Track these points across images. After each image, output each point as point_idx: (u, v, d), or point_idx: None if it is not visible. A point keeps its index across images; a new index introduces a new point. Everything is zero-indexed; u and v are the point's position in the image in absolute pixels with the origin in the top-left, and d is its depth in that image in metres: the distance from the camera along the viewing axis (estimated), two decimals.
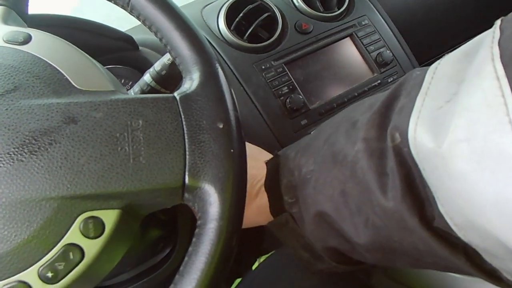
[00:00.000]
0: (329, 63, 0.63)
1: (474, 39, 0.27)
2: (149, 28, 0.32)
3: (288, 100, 0.57)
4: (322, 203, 0.36)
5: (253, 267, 0.55)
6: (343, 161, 0.34)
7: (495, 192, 0.21)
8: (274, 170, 0.42)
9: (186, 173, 0.28)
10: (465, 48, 0.27)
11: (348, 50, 0.64)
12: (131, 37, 0.60)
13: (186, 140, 0.28)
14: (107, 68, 0.62)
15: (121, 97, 0.28)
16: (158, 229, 0.50)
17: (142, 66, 0.59)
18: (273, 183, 0.41)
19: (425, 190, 0.28)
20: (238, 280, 0.56)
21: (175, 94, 0.30)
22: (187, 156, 0.28)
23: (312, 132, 0.43)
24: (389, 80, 0.65)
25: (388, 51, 0.65)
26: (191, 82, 0.31)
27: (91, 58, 0.33)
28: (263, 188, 0.42)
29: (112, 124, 0.27)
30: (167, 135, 0.28)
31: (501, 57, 0.22)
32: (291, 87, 0.58)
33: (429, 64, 0.31)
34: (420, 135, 0.26)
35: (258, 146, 0.57)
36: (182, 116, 0.29)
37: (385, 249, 0.33)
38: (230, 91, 0.31)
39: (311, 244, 0.40)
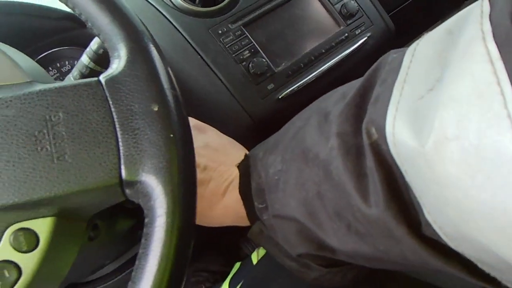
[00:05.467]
0: (290, 20, 0.58)
1: (458, 14, 0.22)
2: (65, 3, 0.28)
3: (251, 65, 0.53)
4: (293, 208, 0.31)
5: (253, 256, 0.53)
6: (315, 159, 0.29)
7: (491, 201, 0.17)
8: (246, 174, 0.37)
9: (122, 166, 0.25)
10: (447, 25, 0.23)
11: (310, 4, 0.60)
12: (74, 14, 0.55)
13: (117, 129, 0.25)
14: (50, 52, 0.58)
15: (36, 89, 0.25)
16: (128, 219, 0.48)
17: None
18: (247, 189, 0.36)
19: (409, 194, 0.24)
20: (238, 264, 0.53)
21: (101, 77, 0.26)
22: (121, 148, 0.25)
23: (282, 128, 0.38)
24: (357, 32, 0.61)
25: (352, 1, 0.61)
26: (118, 61, 0.27)
27: None
28: (231, 188, 0.37)
29: (27, 122, 0.24)
30: (93, 126, 0.25)
31: (494, 35, 0.18)
32: (252, 50, 0.54)
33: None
34: (400, 131, 0.22)
35: (224, 117, 0.54)
36: (110, 102, 0.25)
37: (371, 258, 0.30)
38: (165, 67, 0.27)
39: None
